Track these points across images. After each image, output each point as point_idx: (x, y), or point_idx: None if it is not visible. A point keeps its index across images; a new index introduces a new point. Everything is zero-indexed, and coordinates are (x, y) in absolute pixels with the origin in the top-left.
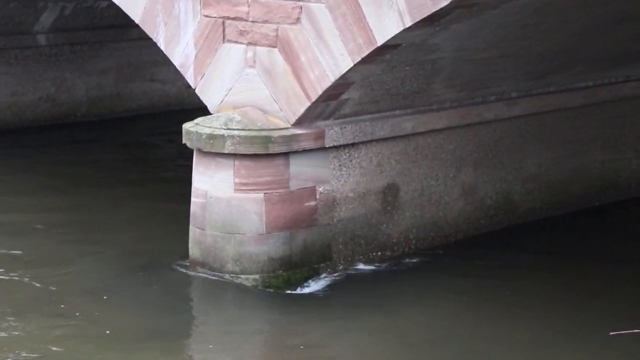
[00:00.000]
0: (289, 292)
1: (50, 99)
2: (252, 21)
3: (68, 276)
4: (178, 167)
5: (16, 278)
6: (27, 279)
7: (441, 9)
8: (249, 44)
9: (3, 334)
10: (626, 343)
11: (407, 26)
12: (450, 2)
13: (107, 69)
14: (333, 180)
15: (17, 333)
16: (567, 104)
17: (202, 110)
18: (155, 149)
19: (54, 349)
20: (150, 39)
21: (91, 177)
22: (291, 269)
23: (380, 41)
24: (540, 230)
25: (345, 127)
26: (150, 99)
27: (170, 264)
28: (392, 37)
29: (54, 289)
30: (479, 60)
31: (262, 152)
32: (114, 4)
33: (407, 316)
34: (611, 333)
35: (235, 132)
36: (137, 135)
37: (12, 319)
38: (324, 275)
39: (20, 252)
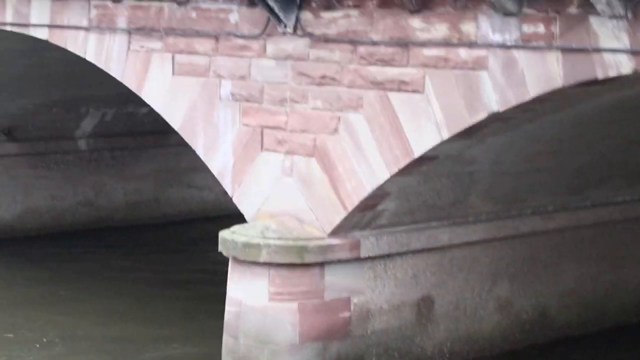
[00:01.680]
0: None
1: (89, 204)
2: (291, 130)
3: None
4: (214, 274)
5: None
6: None
7: (478, 122)
8: (287, 153)
9: None
10: None
11: (444, 139)
12: (487, 116)
13: (145, 175)
14: (368, 291)
15: None
16: (605, 219)
17: (239, 216)
18: (192, 257)
19: None
20: (189, 145)
21: (126, 283)
22: None
23: (417, 153)
24: (576, 346)
25: (381, 238)
26: (187, 205)
27: None
28: (430, 149)
29: None
30: (515, 173)
31: (298, 261)
32: (154, 110)
33: None
34: None
35: (271, 241)
36: (174, 241)
37: None
38: None
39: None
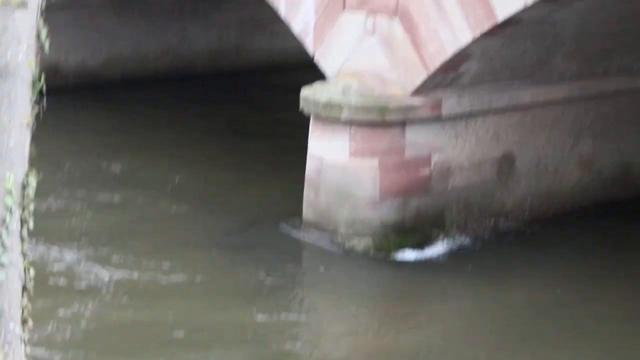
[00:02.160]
0: (399, 258)
1: (172, 51)
2: None
3: (180, 229)
4: (295, 125)
5: (129, 224)
6: (139, 229)
7: None
8: (369, 12)
9: (112, 274)
10: None
11: (528, 5)
12: None
13: (228, 23)
14: (449, 148)
15: (123, 276)
16: None
17: (318, 68)
18: (274, 106)
19: (162, 297)
20: None
21: (208, 131)
22: (403, 234)
23: (501, 17)
24: None
25: (462, 97)
26: (269, 53)
27: (283, 224)
28: (513, 14)
29: (165, 240)
30: (601, 34)
31: (379, 120)
32: None
33: (519, 288)
34: None
35: (353, 100)
36: (256, 90)
37: (122, 262)
38: (436, 242)
39: (134, 200)
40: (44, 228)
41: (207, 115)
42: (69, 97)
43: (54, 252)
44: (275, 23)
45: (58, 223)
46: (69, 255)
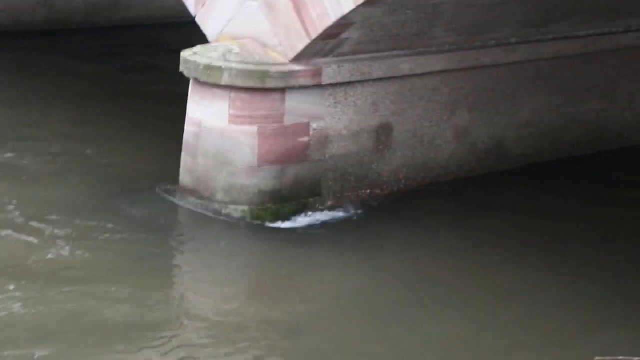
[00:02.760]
0: (276, 225)
1: (47, 4)
2: None
3: (54, 192)
4: (172, 86)
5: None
6: (11, 195)
7: None
8: None
9: None
10: None
11: None
12: None
13: None
14: (327, 117)
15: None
16: (565, 52)
17: (198, 26)
18: (151, 64)
19: (34, 265)
20: None
21: (83, 89)
22: (280, 202)
23: None
24: (529, 176)
25: (342, 66)
26: (148, 9)
27: (159, 189)
28: None
29: (37, 205)
30: (480, 5)
31: (259, 86)
32: None
33: (391, 255)
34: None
35: (233, 65)
36: (133, 47)
37: None
38: (312, 210)
39: (5, 162)
40: None
41: (80, 72)
42: None
43: None
44: None
45: None
46: None
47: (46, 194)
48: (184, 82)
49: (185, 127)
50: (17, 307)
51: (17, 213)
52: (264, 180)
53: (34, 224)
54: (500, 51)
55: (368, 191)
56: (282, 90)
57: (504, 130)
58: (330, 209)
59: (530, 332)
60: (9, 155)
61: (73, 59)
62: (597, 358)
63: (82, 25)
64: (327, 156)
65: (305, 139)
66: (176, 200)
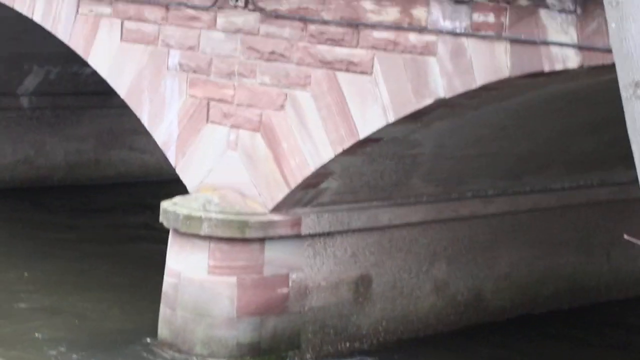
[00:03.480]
0: None
1: (28, 162)
2: (237, 104)
3: (33, 346)
4: (151, 241)
5: None
6: None
7: (424, 107)
8: (232, 126)
9: None
10: None
11: (390, 122)
12: (434, 101)
13: (87, 135)
14: (307, 268)
15: None
16: (542, 205)
17: (179, 182)
18: (130, 220)
19: None
20: None
21: (62, 245)
22: (259, 355)
23: (362, 134)
24: (508, 330)
25: (322, 216)
26: (128, 167)
27: (137, 343)
28: (375, 131)
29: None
30: (457, 157)
31: (239, 236)
32: None
33: None
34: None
35: (213, 215)
36: (113, 204)
37: None
38: None
39: None
40: None
41: (60, 228)
42: None
43: None
44: (135, 135)
45: None
46: None
47: (21, 348)
48: (164, 236)
49: (165, 278)
50: None
51: None
52: (243, 333)
53: None
54: (478, 203)
55: (348, 344)
56: (262, 240)
57: (483, 282)
58: None
59: None
60: None
61: (50, 215)
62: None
63: (62, 183)
64: (306, 308)
65: (285, 290)
66: (154, 355)
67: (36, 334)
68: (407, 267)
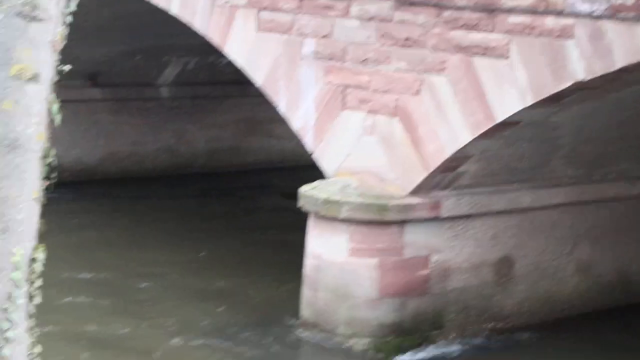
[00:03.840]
0: (399, 358)
1: (169, 150)
2: (373, 90)
3: (175, 325)
4: (290, 225)
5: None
6: (129, 328)
7: (563, 90)
8: (369, 112)
9: None
10: None
11: (527, 105)
12: (572, 84)
13: (226, 123)
14: (447, 250)
15: None
16: None
17: (316, 168)
18: (269, 204)
19: None
20: None
21: (205, 230)
22: (402, 335)
23: (499, 118)
24: None
25: (461, 199)
26: (267, 153)
27: (280, 323)
28: (512, 115)
29: (162, 336)
30: (599, 139)
31: (378, 219)
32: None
33: None
34: None
35: (352, 199)
36: (253, 190)
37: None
38: (435, 343)
39: (128, 297)
40: None
41: (204, 214)
42: (65, 192)
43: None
44: (272, 123)
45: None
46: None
47: (171, 332)
48: (302, 221)
49: (305, 261)
50: None
51: (158, 336)
52: (385, 313)
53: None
54: (621, 185)
55: (491, 325)
56: (401, 223)
57: (627, 263)
58: (454, 342)
59: None
60: (137, 294)
61: (192, 202)
62: None
63: (203, 170)
64: (448, 289)
65: (425, 271)
66: (299, 334)
67: (181, 316)
68: (550, 249)
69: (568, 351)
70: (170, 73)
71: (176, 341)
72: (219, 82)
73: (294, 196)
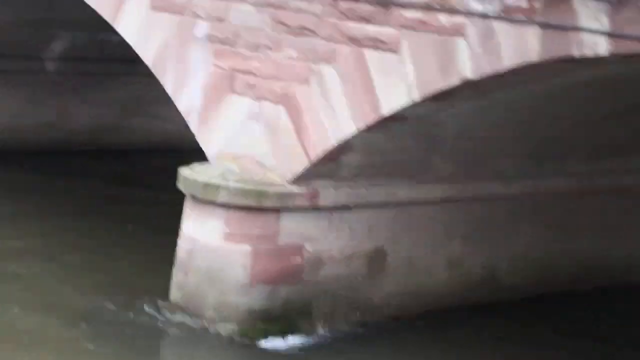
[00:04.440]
0: (264, 345)
1: (50, 125)
2: (262, 76)
3: (40, 303)
4: (167, 206)
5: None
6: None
7: (450, 87)
8: (256, 98)
9: None
10: None
11: (415, 100)
12: (460, 82)
13: (110, 102)
14: (322, 239)
15: None
16: (561, 189)
17: (200, 151)
18: (148, 186)
19: None
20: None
21: (80, 207)
22: (270, 322)
23: (386, 111)
24: (520, 308)
25: (340, 189)
26: (150, 134)
27: (149, 305)
28: (399, 109)
29: (31, 317)
30: (480, 138)
31: (255, 205)
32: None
33: None
34: None
35: (231, 184)
36: (133, 169)
37: None
38: (302, 332)
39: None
40: None
41: (79, 190)
42: None
43: None
44: (157, 105)
45: None
46: None
47: (36, 306)
48: (179, 202)
49: (179, 243)
50: None
51: (17, 319)
52: (255, 300)
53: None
54: (498, 184)
55: (359, 316)
56: (278, 210)
57: (498, 261)
58: (320, 331)
59: None
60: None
61: (70, 178)
62: None
63: (84, 147)
64: (319, 278)
65: (299, 260)
66: (166, 316)
67: (45, 295)
68: (423, 244)
69: (432, 342)
70: (58, 47)
71: (37, 320)
72: (108, 59)
73: (174, 179)
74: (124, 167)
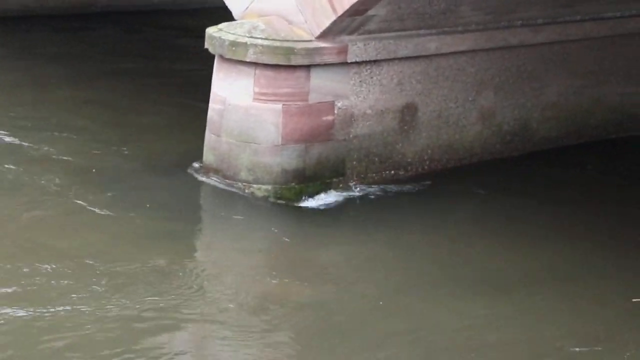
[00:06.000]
0: (299, 204)
1: None
2: None
3: (80, 171)
4: (196, 66)
5: (27, 169)
6: (40, 173)
7: None
8: None
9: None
10: None
11: None
12: None
13: None
14: (352, 96)
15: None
16: (592, 34)
17: (225, 9)
18: (176, 45)
19: (66, 239)
20: None
21: (111, 72)
22: (304, 182)
23: None
24: (554, 159)
25: (368, 44)
26: None
27: (183, 168)
28: None
29: (65, 182)
30: None
31: (284, 63)
32: None
33: (412, 234)
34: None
35: (259, 41)
36: (160, 30)
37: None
38: (335, 190)
39: (38, 144)
40: None
41: (107, 55)
42: None
43: None
44: None
45: None
46: None
47: (75, 174)
48: (209, 62)
49: (210, 105)
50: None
51: (52, 181)
52: (288, 159)
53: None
54: (527, 31)
55: (392, 172)
56: (307, 67)
57: (530, 112)
58: (354, 189)
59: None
60: (40, 136)
61: (95, 41)
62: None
63: (106, 9)
64: (351, 136)
65: (330, 117)
66: (201, 179)
67: (84, 152)
68: (454, 96)
69: (465, 195)
70: None
71: (75, 184)
72: None
73: (202, 37)
74: (149, 28)
